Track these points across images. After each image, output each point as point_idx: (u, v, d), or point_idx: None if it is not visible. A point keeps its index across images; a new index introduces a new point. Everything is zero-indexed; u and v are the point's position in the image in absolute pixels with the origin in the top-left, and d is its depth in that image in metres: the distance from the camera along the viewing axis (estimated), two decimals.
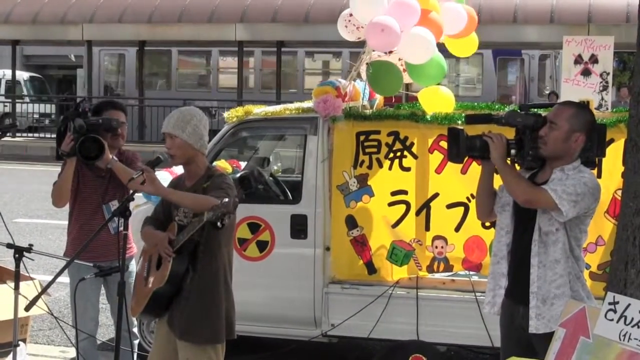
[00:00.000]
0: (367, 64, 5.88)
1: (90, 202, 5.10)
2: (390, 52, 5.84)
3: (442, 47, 5.94)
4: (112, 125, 5.00)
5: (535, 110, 4.23)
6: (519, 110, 4.09)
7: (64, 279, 4.80)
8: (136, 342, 5.37)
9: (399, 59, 5.91)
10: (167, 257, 4.18)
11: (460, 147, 4.01)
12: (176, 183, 4.46)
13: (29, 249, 4.37)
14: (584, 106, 4.09)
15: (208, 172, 4.35)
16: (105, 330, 6.69)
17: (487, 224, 5.34)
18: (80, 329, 4.97)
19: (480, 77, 23.27)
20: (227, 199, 3.90)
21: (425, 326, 5.58)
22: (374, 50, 5.85)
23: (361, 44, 5.95)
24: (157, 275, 4.28)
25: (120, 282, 4.12)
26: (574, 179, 3.81)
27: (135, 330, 5.40)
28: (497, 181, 4.09)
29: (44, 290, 4.29)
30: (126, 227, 4.18)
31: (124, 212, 4.14)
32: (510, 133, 4.03)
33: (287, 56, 24.28)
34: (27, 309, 4.18)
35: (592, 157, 3.99)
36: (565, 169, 3.87)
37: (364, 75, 5.90)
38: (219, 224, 3.89)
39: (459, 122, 5.40)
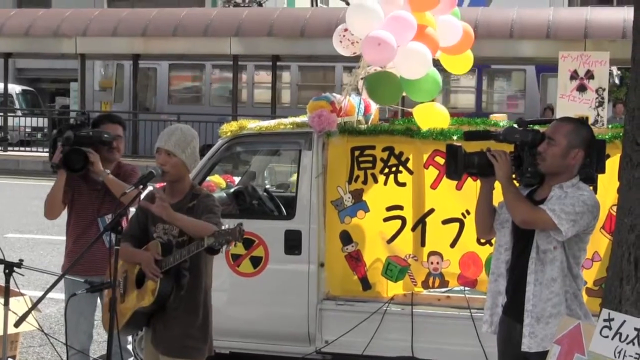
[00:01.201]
0: (362, 78, 5.85)
1: (85, 215, 5.08)
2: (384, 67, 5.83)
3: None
4: (102, 138, 5.00)
5: (533, 126, 4.21)
6: (516, 127, 4.06)
7: (55, 295, 4.74)
8: None
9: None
10: (154, 278, 4.14)
11: (458, 164, 3.98)
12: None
13: (19, 264, 4.31)
14: (582, 122, 4.07)
15: (192, 190, 4.33)
16: (97, 347, 6.60)
17: (483, 240, 5.31)
18: (73, 342, 4.95)
19: (523, 93, 23.10)
20: (228, 226, 3.90)
21: (420, 343, 5.53)
22: (369, 65, 5.83)
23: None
24: (140, 293, 4.25)
25: (112, 298, 4.06)
26: (573, 197, 3.79)
27: (129, 347, 5.34)
28: (496, 198, 4.06)
29: (34, 306, 4.21)
30: (118, 242, 4.11)
31: (116, 227, 4.08)
32: (507, 149, 4.00)
33: (326, 71, 24.15)
34: (17, 325, 4.09)
35: (591, 173, 3.97)
36: (564, 186, 3.85)
37: (360, 89, 5.87)
38: (221, 249, 3.91)
39: (455, 137, 5.38)
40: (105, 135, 5.01)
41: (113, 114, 5.50)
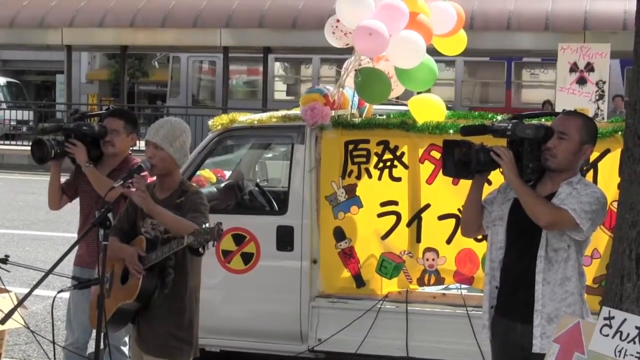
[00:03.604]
0: (355, 70, 5.74)
1: (85, 206, 5.11)
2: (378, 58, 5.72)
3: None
4: (81, 130, 4.99)
5: (531, 120, 4.12)
6: (513, 121, 3.95)
7: (41, 291, 4.65)
8: None
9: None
10: (137, 274, 4.09)
11: (472, 162, 3.84)
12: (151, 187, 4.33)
13: (5, 260, 4.27)
14: (588, 116, 4.00)
15: (182, 186, 4.28)
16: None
17: (479, 236, 5.22)
18: (67, 333, 5.03)
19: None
20: (209, 225, 3.84)
21: (415, 341, 5.44)
22: (362, 57, 5.72)
23: None
24: (124, 290, 4.19)
25: (100, 295, 3.98)
26: (587, 195, 3.71)
27: (125, 349, 5.24)
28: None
29: (20, 303, 4.14)
30: (106, 238, 4.03)
31: (104, 222, 3.99)
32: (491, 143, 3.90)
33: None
34: (3, 322, 4.05)
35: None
36: (572, 183, 3.77)
37: (350, 82, 5.76)
38: (200, 249, 3.84)
39: (451, 131, 5.29)
40: (84, 128, 4.99)
41: (120, 109, 5.49)
